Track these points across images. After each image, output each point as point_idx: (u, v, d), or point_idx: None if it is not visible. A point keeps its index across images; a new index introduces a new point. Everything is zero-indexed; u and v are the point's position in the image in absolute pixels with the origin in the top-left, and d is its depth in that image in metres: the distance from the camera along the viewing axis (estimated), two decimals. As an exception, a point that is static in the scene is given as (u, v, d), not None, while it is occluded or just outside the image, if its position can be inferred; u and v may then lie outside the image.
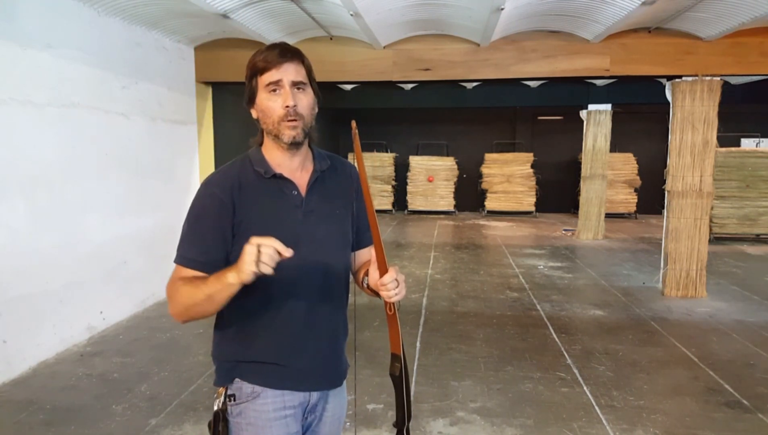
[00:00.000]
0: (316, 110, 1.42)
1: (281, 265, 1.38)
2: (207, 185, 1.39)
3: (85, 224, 4.59)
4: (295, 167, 1.43)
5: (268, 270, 1.17)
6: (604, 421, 3.23)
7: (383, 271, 1.30)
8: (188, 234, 1.38)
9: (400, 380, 1.40)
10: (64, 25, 4.31)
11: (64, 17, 4.31)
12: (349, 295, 1.56)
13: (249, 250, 1.16)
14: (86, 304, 4.61)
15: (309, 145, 1.47)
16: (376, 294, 1.40)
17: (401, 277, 1.31)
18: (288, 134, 1.35)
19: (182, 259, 1.36)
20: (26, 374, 3.87)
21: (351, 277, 1.57)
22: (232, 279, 1.21)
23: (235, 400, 1.39)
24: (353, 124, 1.25)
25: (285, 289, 1.38)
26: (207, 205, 1.37)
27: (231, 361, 1.43)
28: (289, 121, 1.34)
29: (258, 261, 1.16)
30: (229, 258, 1.36)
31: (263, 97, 1.35)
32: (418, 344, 4.54)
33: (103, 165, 4.82)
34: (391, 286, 1.29)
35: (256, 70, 1.35)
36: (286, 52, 1.34)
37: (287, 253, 1.18)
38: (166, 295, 1.37)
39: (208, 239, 1.36)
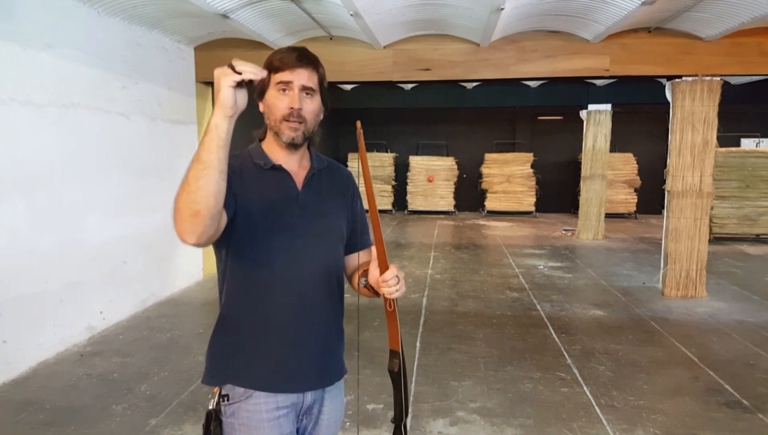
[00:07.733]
0: (321, 117, 1.45)
1: (276, 257, 1.38)
2: None
3: (85, 224, 4.59)
4: (292, 163, 1.46)
5: (247, 70, 1.16)
6: (604, 421, 3.23)
7: (384, 268, 1.32)
8: None
9: (398, 376, 1.41)
10: (64, 25, 4.31)
11: (64, 17, 4.31)
12: (345, 294, 1.55)
13: (218, 72, 1.16)
14: (86, 304, 4.61)
15: (308, 148, 1.50)
16: (374, 293, 1.41)
17: (401, 274, 1.33)
18: (287, 135, 1.38)
19: None
20: (26, 374, 3.87)
21: (345, 278, 1.57)
22: (216, 117, 1.16)
23: (228, 400, 1.39)
24: (358, 124, 1.28)
25: (279, 281, 1.39)
26: None
27: (223, 359, 1.42)
28: (290, 121, 1.37)
29: (230, 68, 1.15)
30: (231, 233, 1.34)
31: (272, 94, 1.38)
32: (418, 344, 4.54)
33: (103, 165, 4.82)
34: (393, 283, 1.31)
35: (271, 68, 1.37)
36: (303, 57, 1.38)
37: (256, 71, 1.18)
38: (173, 210, 1.21)
39: None
